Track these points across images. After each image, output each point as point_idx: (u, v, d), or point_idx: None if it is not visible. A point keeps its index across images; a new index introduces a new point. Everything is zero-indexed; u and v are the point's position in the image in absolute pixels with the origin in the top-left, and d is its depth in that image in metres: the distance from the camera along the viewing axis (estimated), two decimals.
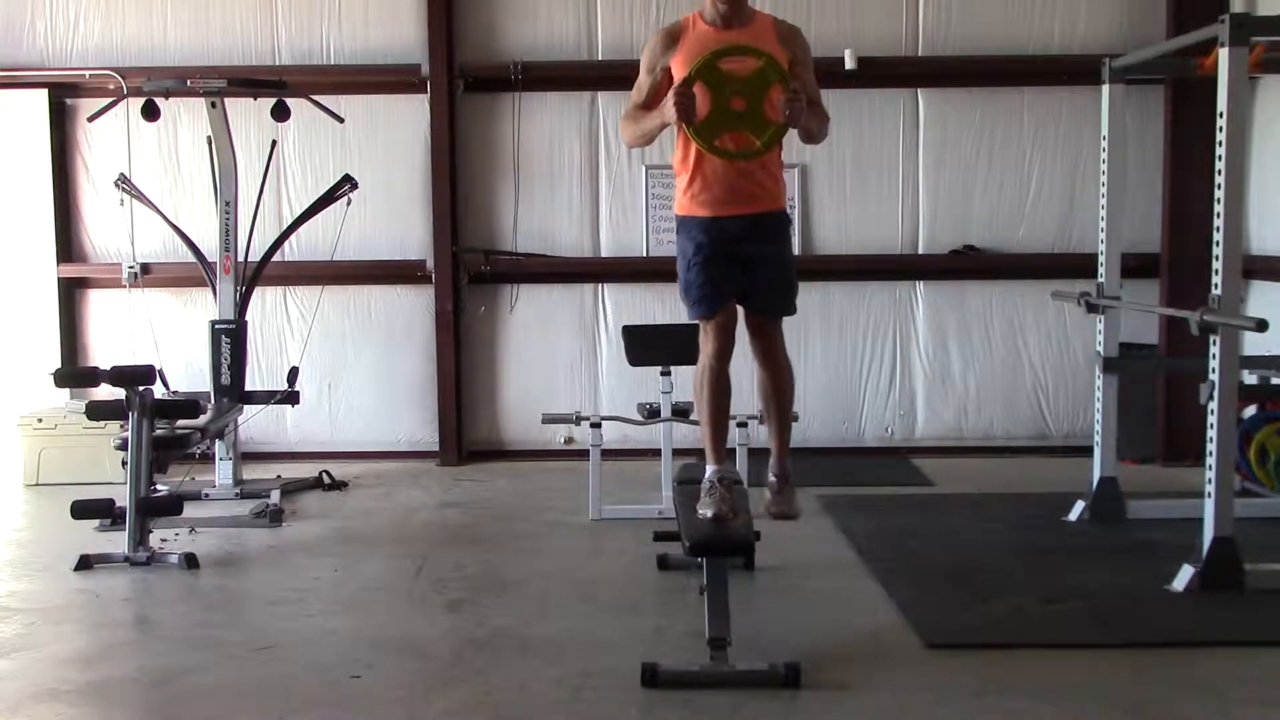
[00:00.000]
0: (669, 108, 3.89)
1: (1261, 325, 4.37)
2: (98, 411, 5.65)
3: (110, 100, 6.96)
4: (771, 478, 4.36)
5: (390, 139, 7.56)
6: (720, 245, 4.12)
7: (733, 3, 4.06)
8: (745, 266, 4.15)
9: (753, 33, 4.06)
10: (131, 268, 7.45)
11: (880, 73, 7.42)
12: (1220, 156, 4.61)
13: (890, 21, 7.46)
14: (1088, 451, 6.05)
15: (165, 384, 6.41)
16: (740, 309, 4.23)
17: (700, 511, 4.10)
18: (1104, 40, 7.32)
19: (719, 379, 4.19)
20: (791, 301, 4.27)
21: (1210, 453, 4.66)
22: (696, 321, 4.22)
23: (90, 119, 7.00)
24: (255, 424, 7.03)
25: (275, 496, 6.31)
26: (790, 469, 4.39)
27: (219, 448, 6.52)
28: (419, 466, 7.42)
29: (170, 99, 6.79)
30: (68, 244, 7.62)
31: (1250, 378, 5.72)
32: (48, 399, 7.08)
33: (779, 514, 4.30)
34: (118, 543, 5.29)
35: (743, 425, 5.87)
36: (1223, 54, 4.56)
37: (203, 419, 5.90)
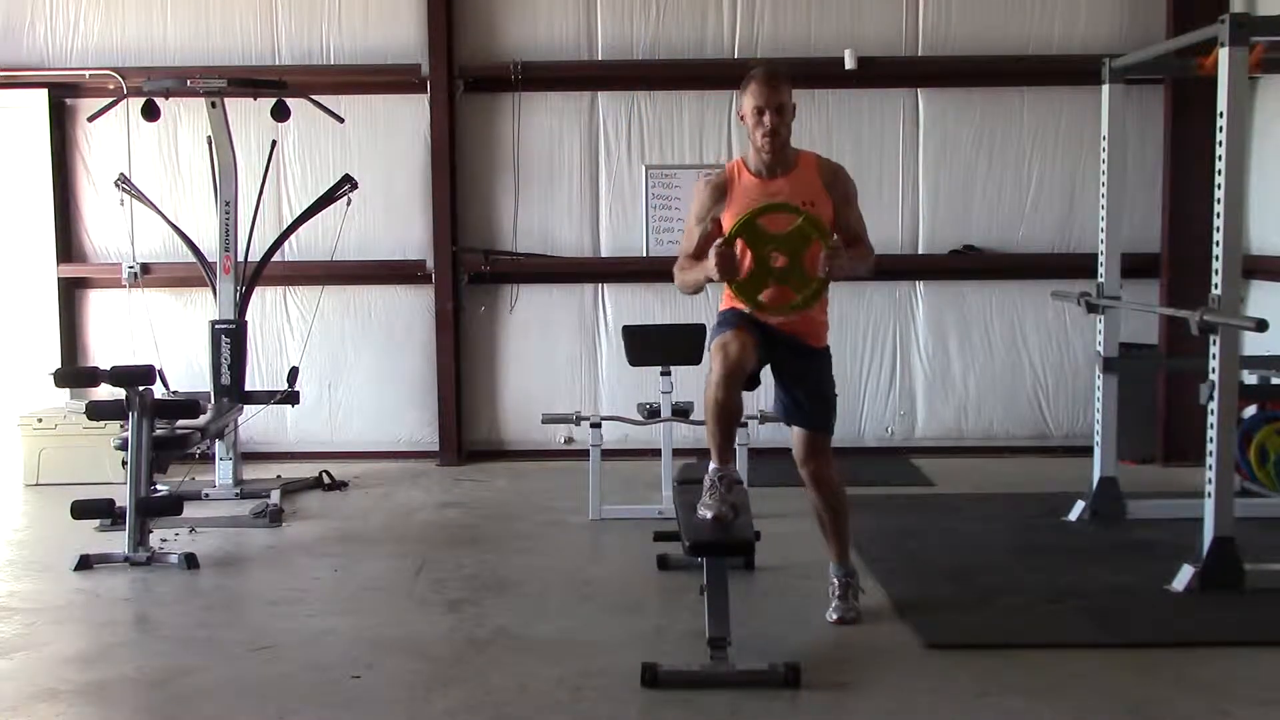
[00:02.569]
0: (712, 266, 3.99)
1: (1261, 325, 4.37)
2: (98, 411, 5.64)
3: (110, 100, 6.96)
4: (835, 582, 4.46)
5: (390, 139, 7.56)
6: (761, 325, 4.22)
7: (775, 153, 4.14)
8: (780, 372, 4.31)
9: (796, 180, 4.16)
10: (131, 268, 7.45)
11: (880, 73, 7.42)
12: (1220, 156, 4.61)
13: (890, 21, 7.46)
14: (1088, 451, 6.06)
15: (165, 384, 6.41)
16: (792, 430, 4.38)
17: (700, 512, 4.10)
18: (1104, 40, 7.32)
19: (725, 409, 4.09)
20: (829, 418, 4.37)
21: (1210, 453, 4.67)
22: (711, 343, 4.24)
23: (90, 119, 7.00)
24: (255, 424, 7.03)
25: (275, 496, 6.30)
26: (854, 569, 4.52)
27: (219, 448, 6.52)
28: (419, 466, 7.42)
29: (170, 99, 6.79)
30: (68, 244, 7.62)
31: (1250, 378, 5.72)
32: (48, 399, 7.08)
33: (840, 621, 4.37)
34: (118, 543, 5.29)
35: (743, 425, 5.85)
36: (1223, 54, 4.57)
37: (203, 419, 5.90)
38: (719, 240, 4.05)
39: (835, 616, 4.37)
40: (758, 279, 4.07)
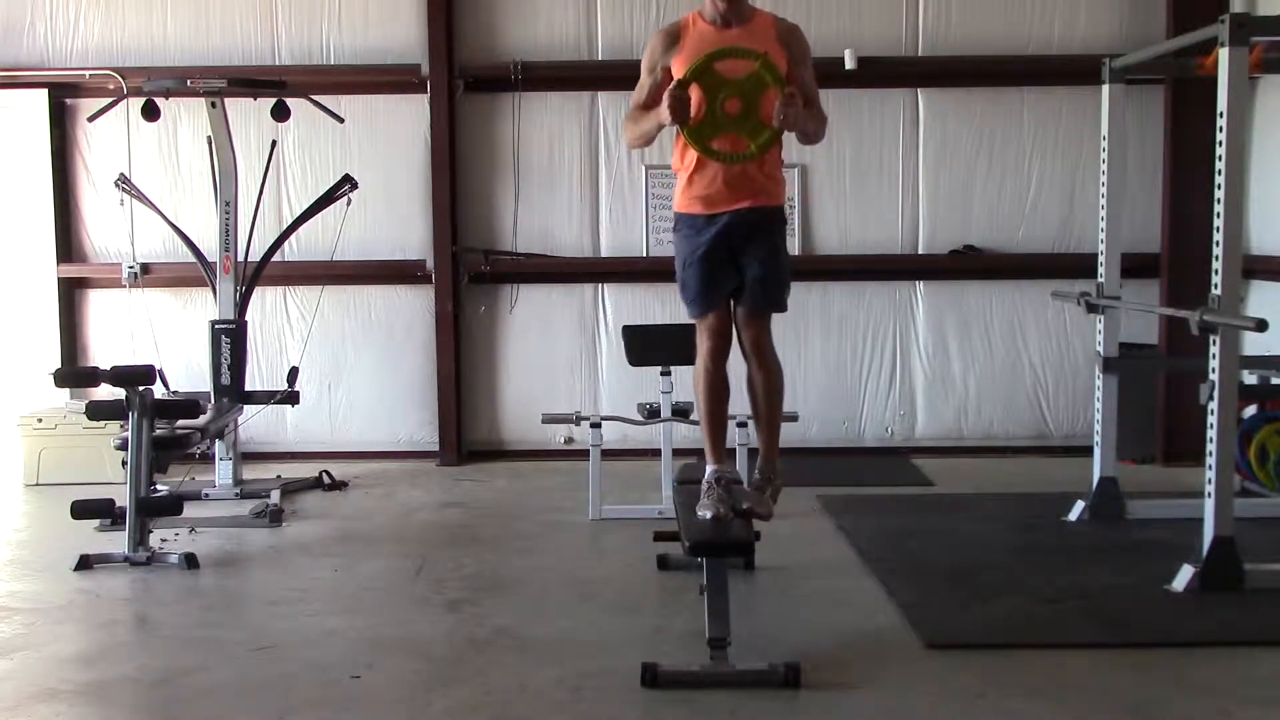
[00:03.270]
0: (664, 109, 3.92)
1: (1261, 325, 4.37)
2: (98, 411, 5.64)
3: (110, 100, 6.96)
4: (755, 475, 4.33)
5: (390, 139, 7.56)
6: (716, 242, 4.12)
7: (732, 2, 4.05)
8: (739, 263, 4.15)
9: (752, 31, 4.07)
10: (131, 268, 7.45)
11: (880, 73, 7.42)
12: (1220, 156, 4.61)
13: (890, 21, 7.46)
14: (1088, 451, 6.05)
15: (165, 384, 6.41)
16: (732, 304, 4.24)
17: (699, 512, 4.10)
18: (1104, 40, 7.32)
19: (715, 381, 4.20)
20: (782, 298, 4.24)
21: (1210, 453, 4.66)
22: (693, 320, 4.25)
23: (90, 119, 7.00)
24: (255, 424, 7.03)
25: (275, 496, 6.31)
26: (779, 469, 4.31)
27: (219, 448, 6.52)
28: (419, 466, 7.42)
29: (170, 99, 6.79)
30: (68, 244, 7.62)
31: (1250, 378, 5.72)
32: (48, 399, 7.08)
33: (750, 511, 4.14)
34: (118, 543, 5.29)
35: (742, 425, 5.86)
36: (1223, 54, 4.56)
37: (203, 419, 5.90)
38: (673, 83, 3.96)
39: (745, 505, 4.12)
40: (711, 125, 3.98)
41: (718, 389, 4.22)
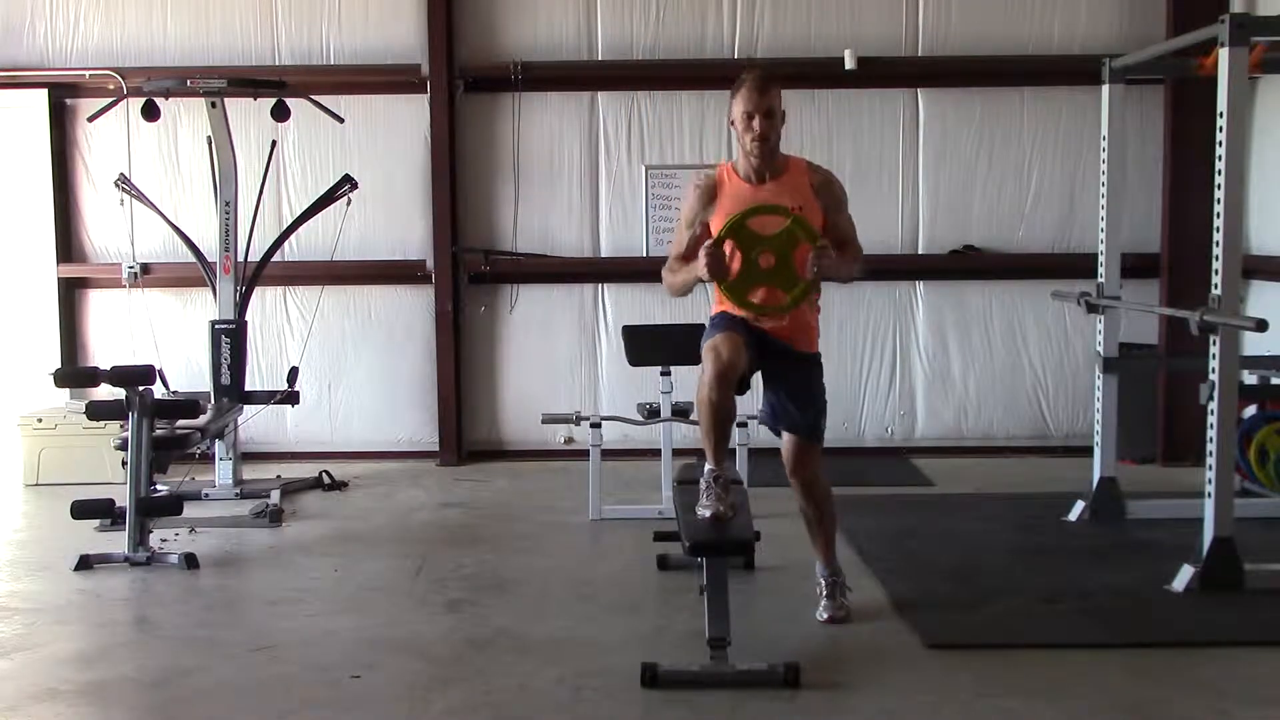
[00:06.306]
0: (701, 266, 4.02)
1: (1261, 325, 4.37)
2: (98, 411, 5.64)
3: (110, 100, 6.96)
4: (822, 581, 4.47)
5: (390, 139, 7.56)
6: (750, 328, 4.21)
7: (765, 158, 4.14)
8: (771, 377, 4.32)
9: (784, 186, 4.17)
10: (131, 268, 7.45)
11: (880, 73, 7.42)
12: (1220, 156, 4.61)
13: (890, 21, 7.46)
14: (1088, 451, 6.06)
15: (165, 384, 6.41)
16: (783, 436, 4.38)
17: (698, 511, 4.10)
18: (1104, 40, 7.32)
19: (720, 409, 4.07)
20: (820, 423, 4.35)
21: (1210, 453, 4.67)
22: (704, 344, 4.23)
23: (90, 119, 7.00)
24: (255, 424, 7.03)
25: (275, 496, 6.31)
26: (840, 568, 4.52)
27: (219, 448, 6.52)
28: (419, 466, 7.42)
29: (170, 99, 6.80)
30: (68, 244, 7.62)
31: (1250, 378, 5.72)
32: (48, 399, 7.08)
33: (831, 620, 4.38)
34: (118, 543, 5.29)
35: (742, 425, 5.86)
36: (1223, 54, 4.57)
37: (203, 419, 5.90)
38: (709, 241, 4.07)
39: (825, 615, 4.38)
40: (747, 279, 4.09)
41: (721, 416, 4.10)
